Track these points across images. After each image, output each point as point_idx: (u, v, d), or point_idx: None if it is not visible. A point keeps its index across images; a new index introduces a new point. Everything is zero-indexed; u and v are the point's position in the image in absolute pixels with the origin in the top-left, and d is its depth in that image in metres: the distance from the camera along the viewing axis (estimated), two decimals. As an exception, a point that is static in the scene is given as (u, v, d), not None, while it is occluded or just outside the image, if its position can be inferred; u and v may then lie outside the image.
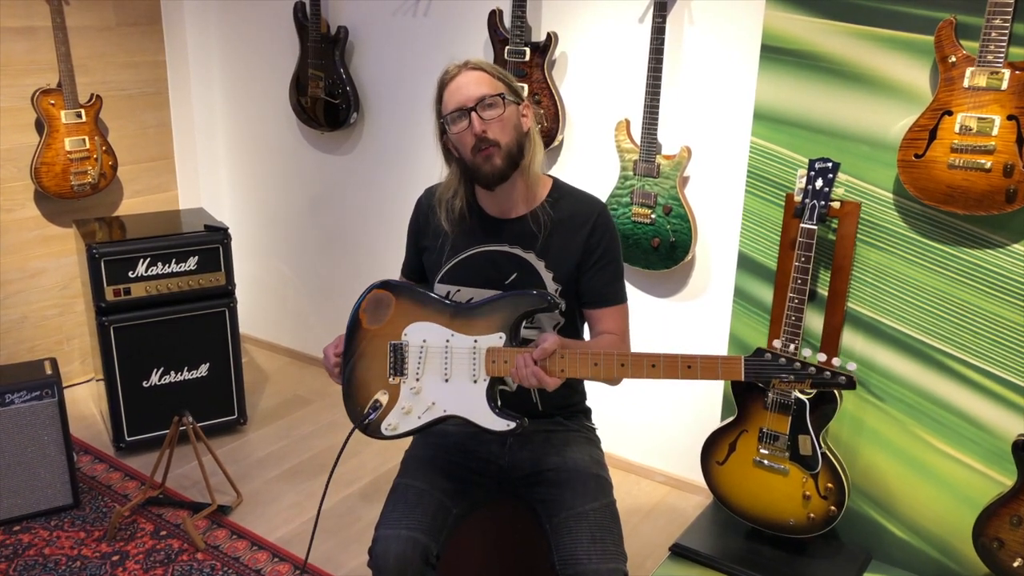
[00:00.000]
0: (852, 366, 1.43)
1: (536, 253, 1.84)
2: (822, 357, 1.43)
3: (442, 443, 1.95)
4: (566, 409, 1.99)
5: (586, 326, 1.95)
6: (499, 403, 1.71)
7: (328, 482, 1.93)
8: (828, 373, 1.40)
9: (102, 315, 2.95)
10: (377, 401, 1.77)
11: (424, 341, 1.75)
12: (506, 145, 1.77)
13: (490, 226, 1.87)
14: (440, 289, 1.92)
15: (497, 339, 1.71)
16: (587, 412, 2.06)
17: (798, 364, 1.42)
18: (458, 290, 1.90)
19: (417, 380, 1.75)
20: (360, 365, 1.83)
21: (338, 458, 1.93)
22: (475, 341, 1.71)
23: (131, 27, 3.62)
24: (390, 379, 1.79)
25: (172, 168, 3.89)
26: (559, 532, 1.75)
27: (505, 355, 1.69)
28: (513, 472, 1.91)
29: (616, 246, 1.88)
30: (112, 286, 2.94)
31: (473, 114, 1.76)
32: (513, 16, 2.77)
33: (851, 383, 1.39)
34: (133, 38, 3.64)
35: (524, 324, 1.76)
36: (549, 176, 1.91)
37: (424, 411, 1.73)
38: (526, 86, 2.81)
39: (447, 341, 1.74)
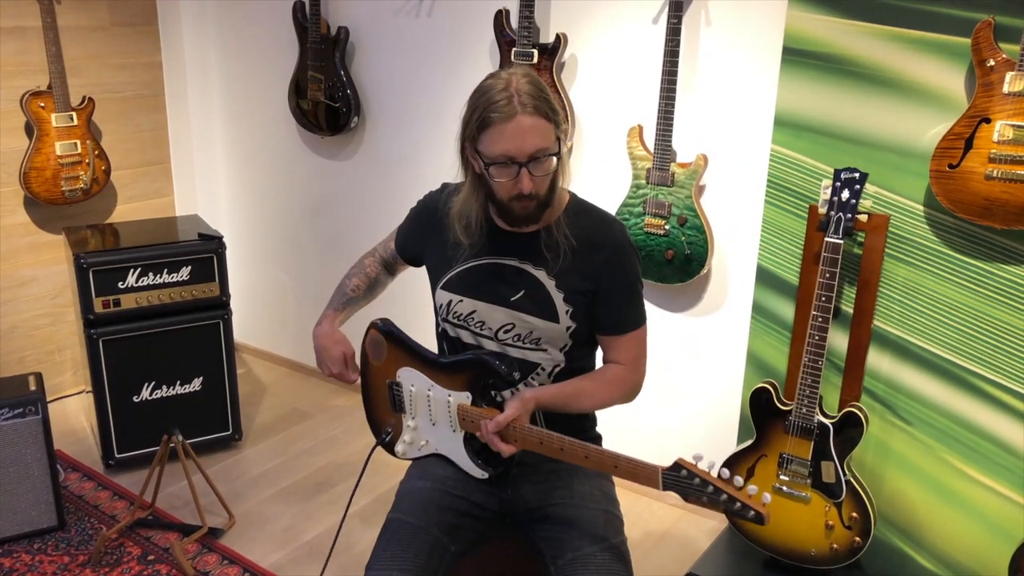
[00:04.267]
0: (767, 498, 1.37)
1: (547, 271, 1.72)
2: (739, 480, 1.38)
3: (439, 474, 1.83)
4: (575, 437, 1.85)
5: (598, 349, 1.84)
6: (477, 452, 1.77)
7: (350, 502, 2.06)
8: (739, 504, 1.35)
9: (91, 327, 2.83)
10: (391, 424, 1.91)
11: (413, 386, 1.83)
12: (544, 196, 1.65)
13: (501, 238, 1.75)
14: (441, 297, 1.81)
15: (465, 397, 1.74)
16: (597, 440, 1.93)
17: (711, 488, 1.37)
18: (460, 300, 1.78)
19: (412, 419, 1.86)
20: (372, 395, 1.95)
21: (362, 474, 2.00)
22: (449, 396, 1.77)
23: (126, 27, 3.51)
24: (393, 412, 1.90)
25: (168, 173, 3.78)
26: (566, 575, 1.62)
27: (472, 414, 1.73)
28: (516, 506, 1.79)
29: (635, 271, 1.77)
30: (101, 297, 2.82)
31: (524, 171, 1.59)
32: (520, 16, 2.64)
33: (759, 519, 1.35)
34: (128, 38, 3.52)
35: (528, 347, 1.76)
36: (565, 189, 1.76)
37: (422, 445, 1.86)
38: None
39: (429, 391, 1.80)
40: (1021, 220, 2.00)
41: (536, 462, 1.80)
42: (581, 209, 1.76)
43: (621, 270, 1.73)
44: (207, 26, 3.70)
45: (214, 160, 3.88)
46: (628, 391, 1.79)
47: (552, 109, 1.60)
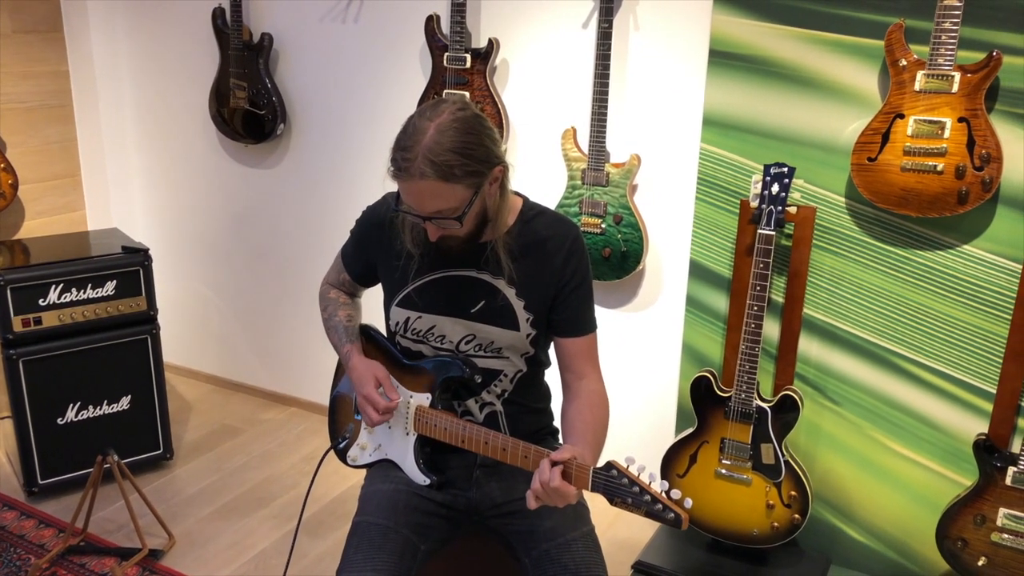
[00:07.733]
0: (688, 503, 1.43)
1: (506, 280, 1.71)
2: (664, 485, 1.43)
3: (402, 476, 1.82)
4: (536, 434, 1.88)
5: (552, 353, 1.83)
6: (424, 459, 1.79)
7: (303, 508, 1.95)
8: (661, 505, 1.41)
9: (9, 348, 2.69)
10: (349, 429, 1.90)
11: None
12: (466, 233, 1.63)
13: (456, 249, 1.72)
14: (398, 315, 1.79)
15: (425, 399, 1.77)
16: (555, 433, 1.96)
17: (637, 488, 1.42)
18: (419, 316, 1.76)
19: None
20: (342, 396, 1.94)
21: (313, 480, 1.99)
22: (411, 396, 1.79)
23: (29, 34, 3.35)
24: (355, 415, 1.89)
25: (79, 186, 3.62)
26: (542, 565, 1.64)
27: (429, 415, 1.75)
28: (482, 504, 1.80)
29: (590, 272, 1.76)
30: (20, 316, 2.68)
31: (428, 223, 1.57)
32: (452, 22, 2.67)
33: (678, 521, 1.40)
34: (32, 46, 3.37)
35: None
36: (518, 195, 1.76)
37: (373, 451, 1.87)
38: (465, 91, 2.71)
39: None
40: (934, 208, 2.15)
41: (497, 461, 1.82)
42: (535, 213, 1.74)
43: (579, 270, 1.73)
44: (117, 33, 3.57)
45: (128, 172, 3.75)
46: (607, 402, 1.77)
47: (467, 171, 1.49)
